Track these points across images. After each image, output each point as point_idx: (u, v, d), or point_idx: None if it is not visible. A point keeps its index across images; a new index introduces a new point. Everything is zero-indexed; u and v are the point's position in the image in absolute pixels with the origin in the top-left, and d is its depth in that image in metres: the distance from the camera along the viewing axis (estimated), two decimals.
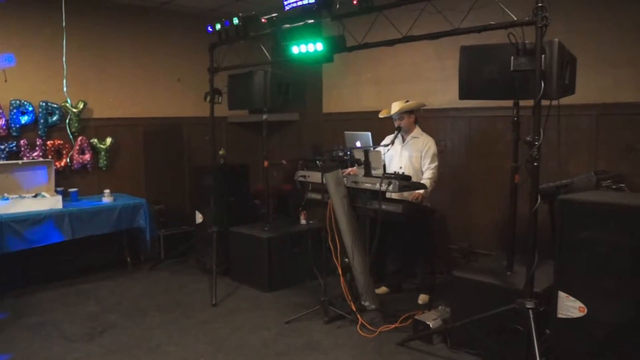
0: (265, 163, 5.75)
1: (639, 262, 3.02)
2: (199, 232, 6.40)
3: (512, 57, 3.39)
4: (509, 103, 4.04)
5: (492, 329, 3.76)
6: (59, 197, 5.57)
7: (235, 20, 5.14)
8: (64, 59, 6.01)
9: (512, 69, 3.39)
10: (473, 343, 3.96)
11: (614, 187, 4.21)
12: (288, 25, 4.63)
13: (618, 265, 3.08)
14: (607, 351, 3.14)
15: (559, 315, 3.31)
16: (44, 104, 5.98)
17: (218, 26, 5.35)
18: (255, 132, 7.56)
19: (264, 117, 5.70)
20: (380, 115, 5.27)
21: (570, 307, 3.25)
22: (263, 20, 4.93)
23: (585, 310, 3.19)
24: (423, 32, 4.15)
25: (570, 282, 3.28)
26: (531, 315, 3.40)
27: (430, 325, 4.20)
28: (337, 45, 4.44)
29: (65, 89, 6.06)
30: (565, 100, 3.50)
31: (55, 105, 6.06)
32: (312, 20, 4.42)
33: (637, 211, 3.06)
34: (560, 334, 3.34)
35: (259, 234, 5.62)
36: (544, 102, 3.39)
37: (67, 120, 6.18)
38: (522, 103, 3.91)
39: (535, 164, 3.41)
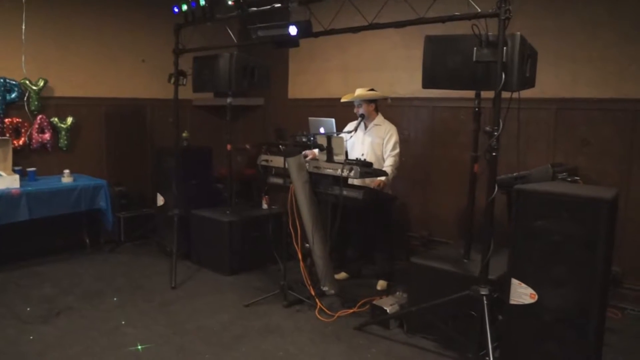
0: (229, 147, 5.72)
1: (588, 250, 3.12)
2: (160, 215, 6.35)
3: (475, 48, 3.44)
4: (471, 94, 4.10)
5: (447, 315, 3.84)
6: (17, 177, 5.43)
7: (202, 2, 5.09)
8: (23, 34, 5.85)
9: (474, 59, 3.44)
10: (429, 328, 4.04)
11: (569, 179, 4.32)
12: (255, 9, 4.60)
13: (569, 253, 3.18)
14: (554, 334, 3.24)
15: (512, 302, 3.39)
16: (1, 80, 5.81)
17: (184, 7, 5.29)
18: (219, 115, 7.50)
19: (229, 100, 5.66)
20: (342, 100, 5.30)
21: (522, 293, 3.34)
22: (230, 2, 4.88)
23: (536, 297, 3.28)
24: (389, 21, 4.18)
25: (523, 269, 3.36)
26: (485, 302, 3.50)
27: (388, 311, 4.27)
28: (304, 30, 4.43)
29: (23, 66, 5.91)
30: (525, 94, 3.58)
31: (14, 82, 5.90)
32: (279, 5, 4.40)
33: (589, 202, 3.15)
34: (511, 320, 3.43)
35: (221, 217, 5.60)
36: (505, 95, 3.46)
37: (26, 98, 6.03)
38: (484, 94, 3.98)
39: (494, 154, 3.48)
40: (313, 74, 7.19)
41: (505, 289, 3.44)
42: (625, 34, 4.67)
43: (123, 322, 4.36)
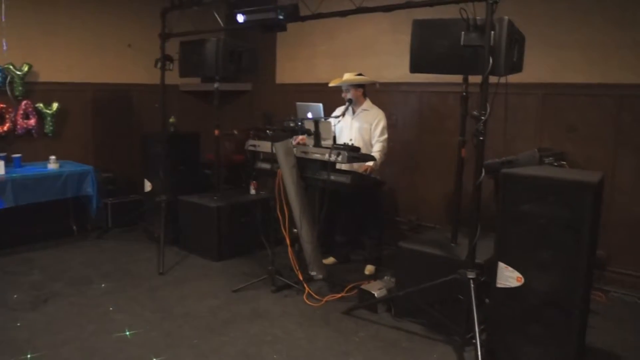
0: (216, 132, 5.70)
1: (574, 234, 3.14)
2: (148, 201, 6.33)
3: (463, 33, 3.45)
4: (459, 79, 4.09)
5: (434, 299, 3.88)
6: (1, 163, 5.37)
7: None
8: (2, 17, 5.76)
9: (462, 43, 3.45)
10: (416, 312, 4.07)
11: (555, 163, 4.36)
12: None
13: (555, 237, 3.20)
14: (540, 317, 3.27)
15: (498, 285, 3.42)
16: None
17: None
18: (207, 101, 7.47)
19: (216, 85, 5.62)
20: (330, 84, 5.28)
21: (508, 277, 3.36)
22: None
23: (523, 280, 3.31)
24: (377, 5, 4.16)
25: (509, 253, 3.38)
26: (472, 285, 3.53)
27: (375, 295, 4.29)
28: (291, 15, 4.40)
29: (5, 49, 5.82)
30: (513, 79, 3.59)
31: None
32: None
33: (574, 186, 3.17)
34: (498, 303, 3.46)
35: (208, 203, 5.59)
36: (493, 79, 3.47)
37: (10, 83, 5.94)
38: (471, 79, 3.98)
39: (481, 138, 3.49)
40: (301, 59, 7.16)
41: (492, 273, 3.47)
42: (612, 20, 4.69)
43: (111, 308, 4.35)
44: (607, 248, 4.74)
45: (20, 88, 6.01)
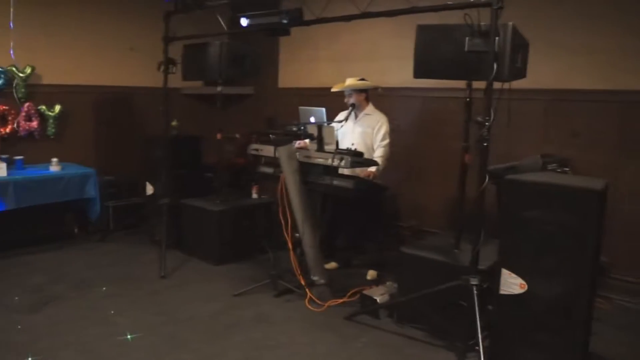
0: (219, 135, 5.69)
1: (577, 241, 3.14)
2: (150, 204, 6.31)
3: (467, 38, 3.44)
4: (462, 85, 4.10)
5: (437, 305, 3.85)
6: (3, 165, 5.37)
7: None
8: (11, 20, 5.76)
9: (466, 49, 3.44)
10: (418, 318, 4.06)
11: (558, 170, 4.35)
12: None
13: (558, 244, 3.19)
14: (543, 324, 3.26)
15: (501, 292, 3.41)
16: None
17: None
18: (209, 104, 7.45)
19: (219, 89, 5.61)
20: (333, 89, 5.27)
21: (512, 283, 3.35)
22: None
23: (526, 287, 3.30)
24: (382, 9, 4.16)
25: (513, 259, 3.38)
26: (475, 292, 3.51)
27: (378, 300, 4.28)
28: (295, 19, 4.40)
29: (12, 52, 5.83)
30: (516, 84, 3.58)
31: (0, 69, 5.83)
32: None
33: (579, 193, 3.17)
34: (501, 310, 3.45)
35: (210, 207, 5.58)
36: (496, 85, 3.46)
37: (14, 85, 5.95)
38: (475, 85, 3.97)
39: (485, 144, 3.48)
40: (304, 63, 7.15)
41: (495, 279, 3.45)
42: (618, 26, 4.68)
43: (112, 312, 4.34)
44: (610, 255, 4.72)
45: (23, 90, 6.01)
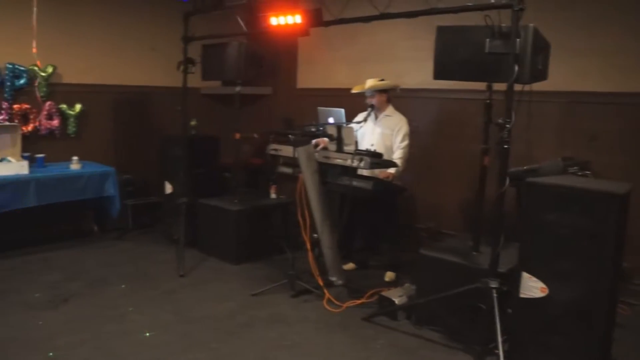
0: (237, 135, 5.71)
1: (597, 245, 3.10)
2: (168, 203, 6.34)
3: (488, 40, 3.42)
4: (481, 86, 4.06)
5: (455, 307, 3.83)
6: (25, 163, 5.44)
7: None
8: (34, 19, 5.83)
9: (486, 51, 3.42)
10: (436, 320, 4.04)
11: (579, 173, 4.30)
12: None
13: (579, 247, 3.16)
14: (563, 328, 3.23)
15: (521, 295, 3.38)
16: (10, 66, 5.81)
17: None
18: (227, 104, 7.47)
19: (237, 89, 5.64)
20: (353, 91, 5.26)
21: (532, 287, 3.33)
22: None
23: (547, 291, 3.27)
24: (400, 10, 4.14)
25: (533, 263, 3.35)
26: (494, 295, 3.48)
27: (396, 302, 4.26)
28: (314, 19, 4.40)
29: (34, 51, 5.89)
30: (536, 86, 3.55)
31: (22, 68, 5.89)
32: None
33: (600, 197, 3.14)
34: (521, 313, 3.42)
35: (228, 206, 5.60)
36: (517, 87, 3.43)
37: (36, 84, 6.02)
38: (494, 87, 3.94)
39: (506, 146, 3.46)
40: (321, 64, 7.15)
41: (515, 282, 3.42)
42: (633, 28, 4.63)
43: (130, 309, 4.37)
44: (632, 260, 4.65)
45: (44, 89, 6.09)
